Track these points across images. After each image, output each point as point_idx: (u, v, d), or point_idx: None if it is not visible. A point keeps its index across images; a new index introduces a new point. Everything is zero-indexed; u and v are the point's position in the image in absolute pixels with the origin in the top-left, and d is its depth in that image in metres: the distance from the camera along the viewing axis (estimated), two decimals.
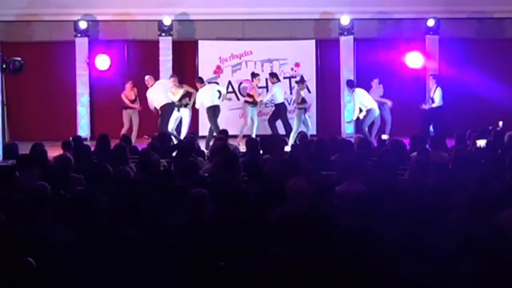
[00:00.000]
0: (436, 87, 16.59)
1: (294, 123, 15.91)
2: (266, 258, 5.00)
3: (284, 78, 17.86)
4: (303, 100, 15.98)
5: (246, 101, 16.41)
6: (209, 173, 8.87)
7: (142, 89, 16.40)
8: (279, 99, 16.36)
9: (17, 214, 6.50)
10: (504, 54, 18.04)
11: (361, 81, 17.36)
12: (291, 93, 17.75)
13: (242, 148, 11.94)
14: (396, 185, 7.59)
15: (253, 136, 14.61)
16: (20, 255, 5.19)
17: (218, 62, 17.99)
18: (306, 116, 16.18)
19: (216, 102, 15.88)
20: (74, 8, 17.57)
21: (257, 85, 16.54)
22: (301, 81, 16.25)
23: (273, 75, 16.67)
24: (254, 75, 16.58)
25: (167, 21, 17.48)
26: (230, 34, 18.00)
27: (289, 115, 16.49)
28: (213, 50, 18.03)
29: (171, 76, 16.38)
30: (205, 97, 15.85)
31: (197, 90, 16.05)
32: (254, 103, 16.29)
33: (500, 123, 13.73)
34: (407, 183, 7.92)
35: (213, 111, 15.77)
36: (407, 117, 17.37)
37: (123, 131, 15.80)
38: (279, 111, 16.34)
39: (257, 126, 16.20)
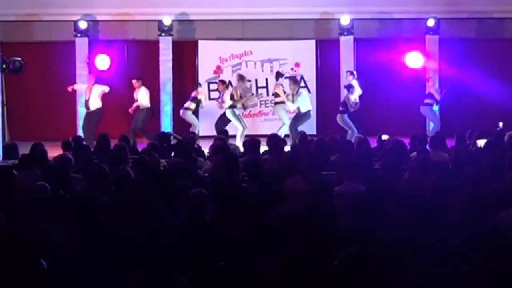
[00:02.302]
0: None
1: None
2: (273, 259, 5.00)
3: (284, 78, 17.84)
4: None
5: (276, 102, 16.28)
6: (209, 173, 8.87)
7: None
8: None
9: (17, 214, 6.51)
10: (504, 54, 18.04)
11: (361, 81, 17.34)
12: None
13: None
14: (396, 185, 7.59)
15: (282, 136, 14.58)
16: (20, 255, 5.20)
17: (218, 62, 17.99)
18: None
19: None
20: (74, 8, 17.56)
21: (281, 84, 16.32)
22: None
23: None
24: (279, 74, 16.52)
25: (167, 21, 17.47)
26: (230, 34, 17.99)
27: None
28: (213, 50, 18.03)
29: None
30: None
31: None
32: (282, 102, 16.21)
33: (500, 124, 13.74)
34: (407, 183, 7.93)
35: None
36: (407, 117, 17.37)
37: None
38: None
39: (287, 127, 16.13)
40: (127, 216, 6.45)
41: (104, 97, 16.62)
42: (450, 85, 17.50)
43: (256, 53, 17.97)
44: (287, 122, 15.78)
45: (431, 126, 16.93)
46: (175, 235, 6.00)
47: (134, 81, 16.71)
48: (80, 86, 16.93)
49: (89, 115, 16.37)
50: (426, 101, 16.80)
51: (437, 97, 16.70)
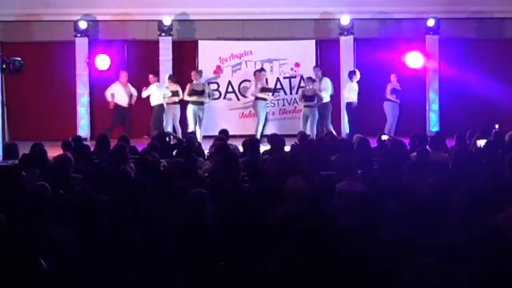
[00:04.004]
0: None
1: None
2: (270, 258, 5.00)
3: (284, 78, 17.88)
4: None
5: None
6: (209, 173, 8.87)
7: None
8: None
9: (17, 214, 6.52)
10: (504, 54, 18.03)
11: (361, 81, 17.33)
12: (290, 93, 17.79)
13: None
14: (396, 185, 7.59)
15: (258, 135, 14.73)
16: (20, 255, 5.20)
17: (218, 62, 17.98)
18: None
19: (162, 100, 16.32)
20: (74, 8, 17.54)
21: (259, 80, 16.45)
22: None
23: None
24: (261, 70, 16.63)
25: (167, 21, 17.46)
26: (230, 34, 17.98)
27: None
28: (213, 50, 18.01)
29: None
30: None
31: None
32: (264, 99, 16.36)
33: (497, 126, 13.69)
34: (407, 183, 7.93)
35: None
36: (407, 117, 17.37)
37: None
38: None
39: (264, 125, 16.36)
40: (127, 216, 6.45)
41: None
42: (450, 85, 17.51)
43: (256, 53, 17.95)
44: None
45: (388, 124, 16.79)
46: (175, 234, 6.00)
47: (151, 76, 16.50)
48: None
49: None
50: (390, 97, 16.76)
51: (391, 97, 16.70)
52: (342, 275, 4.89)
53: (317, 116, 16.26)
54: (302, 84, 17.31)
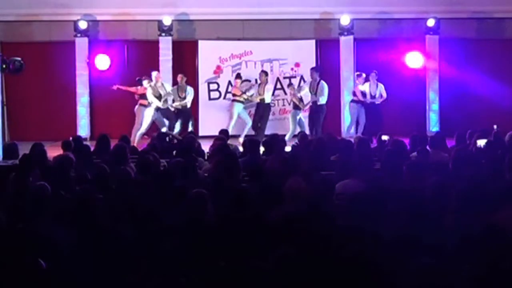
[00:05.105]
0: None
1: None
2: (270, 258, 5.00)
3: (284, 78, 17.88)
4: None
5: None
6: (209, 173, 8.87)
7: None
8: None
9: (17, 214, 6.52)
10: (504, 54, 18.03)
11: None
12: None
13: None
14: (396, 185, 7.59)
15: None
16: (20, 255, 5.20)
17: (218, 62, 17.98)
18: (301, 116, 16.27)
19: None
20: (74, 8, 17.56)
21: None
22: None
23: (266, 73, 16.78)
24: (238, 76, 16.70)
25: (167, 21, 17.47)
26: (230, 34, 17.99)
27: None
28: (213, 50, 18.02)
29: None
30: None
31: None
32: (241, 101, 16.44)
33: (495, 126, 13.69)
34: (407, 183, 7.93)
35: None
36: (407, 117, 17.38)
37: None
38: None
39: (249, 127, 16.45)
40: (127, 216, 6.45)
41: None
42: (450, 85, 17.51)
43: (256, 53, 17.96)
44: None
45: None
46: (175, 235, 6.00)
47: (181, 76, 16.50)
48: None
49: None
50: (355, 98, 16.62)
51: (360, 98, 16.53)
52: (342, 275, 4.88)
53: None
54: (302, 84, 17.31)
